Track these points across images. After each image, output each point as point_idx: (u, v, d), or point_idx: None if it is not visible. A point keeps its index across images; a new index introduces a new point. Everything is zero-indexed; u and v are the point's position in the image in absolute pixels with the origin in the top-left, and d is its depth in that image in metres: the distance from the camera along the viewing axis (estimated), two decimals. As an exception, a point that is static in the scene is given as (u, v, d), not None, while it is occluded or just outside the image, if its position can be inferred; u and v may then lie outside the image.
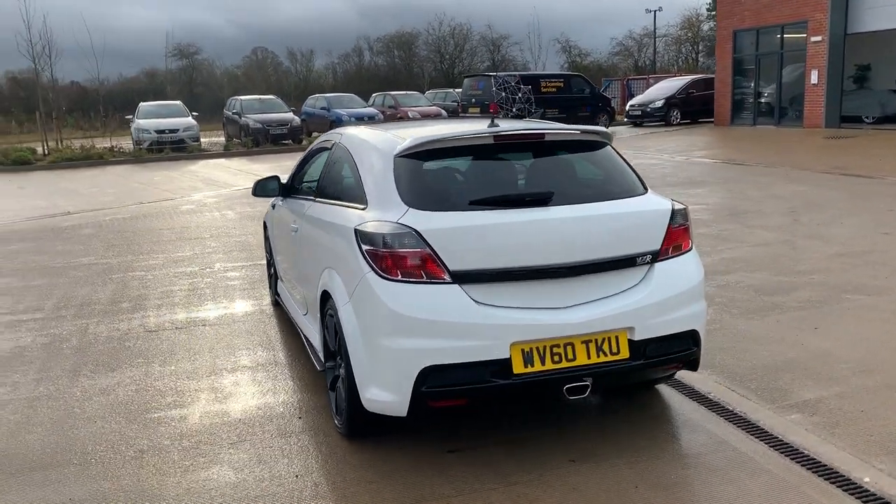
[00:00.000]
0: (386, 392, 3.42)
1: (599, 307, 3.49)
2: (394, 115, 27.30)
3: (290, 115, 24.65)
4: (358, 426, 3.76)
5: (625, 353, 3.52)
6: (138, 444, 3.92)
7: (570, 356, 3.44)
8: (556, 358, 3.42)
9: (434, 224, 3.40)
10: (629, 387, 4.37)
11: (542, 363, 3.40)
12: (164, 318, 6.24)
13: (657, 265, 3.66)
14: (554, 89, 24.27)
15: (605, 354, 3.49)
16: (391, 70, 50.13)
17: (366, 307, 3.47)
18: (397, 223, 3.42)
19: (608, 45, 52.16)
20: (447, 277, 3.36)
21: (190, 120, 22.97)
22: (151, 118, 22.77)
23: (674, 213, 3.75)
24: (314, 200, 4.63)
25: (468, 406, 3.55)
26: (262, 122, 23.15)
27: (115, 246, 9.57)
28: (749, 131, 23.10)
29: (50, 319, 6.28)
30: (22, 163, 19.63)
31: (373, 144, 4.01)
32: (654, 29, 44.33)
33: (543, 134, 3.86)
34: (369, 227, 3.49)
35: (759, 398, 4.22)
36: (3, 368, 5.14)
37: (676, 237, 3.75)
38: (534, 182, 3.77)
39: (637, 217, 3.67)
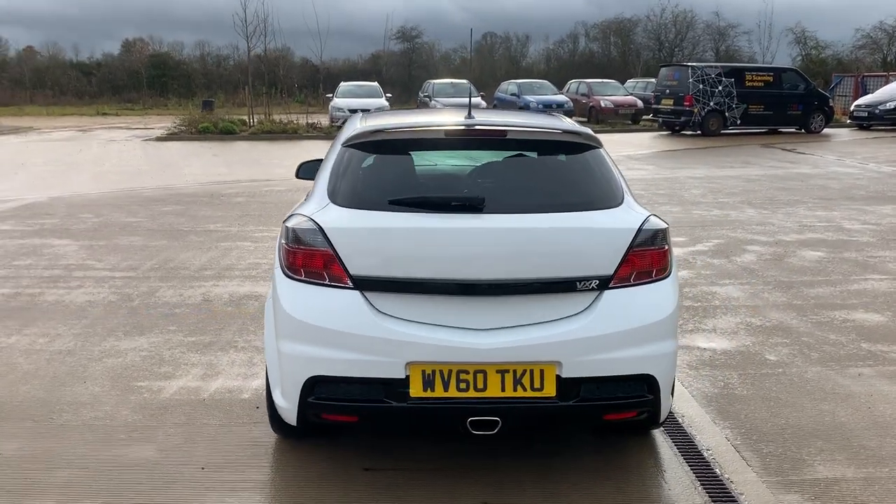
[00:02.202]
0: (281, 397, 3.22)
1: (521, 334, 3.02)
2: (585, 104, 26.49)
3: (478, 99, 24.81)
4: (278, 427, 3.59)
5: (550, 390, 3.03)
6: (99, 411, 4.04)
7: (481, 385, 3.02)
8: (463, 385, 3.02)
9: (340, 222, 3.12)
10: (623, 427, 3.75)
11: (445, 389, 3.01)
12: (228, 289, 6.45)
13: (607, 293, 3.10)
14: (761, 84, 22.11)
15: (525, 389, 3.03)
16: (605, 57, 48.65)
17: (274, 306, 3.28)
18: (308, 218, 3.18)
19: (852, 37, 46.41)
20: (349, 282, 3.07)
21: (382, 101, 23.83)
22: (347, 97, 23.92)
23: (641, 232, 3.15)
24: None
25: (361, 424, 3.25)
26: (448, 106, 23.48)
27: (249, 215, 10.11)
28: None
29: (135, 279, 6.73)
30: (227, 132, 21.48)
31: (343, 132, 3.78)
32: (909, 20, 38.95)
33: (505, 131, 3.41)
34: (288, 221, 3.28)
35: (763, 467, 3.48)
36: (59, 319, 5.57)
37: (643, 261, 3.15)
38: (481, 185, 3.34)
39: (587, 234, 3.13)
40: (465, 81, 27.37)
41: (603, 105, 25.91)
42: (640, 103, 26.14)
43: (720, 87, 21.67)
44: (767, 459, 3.54)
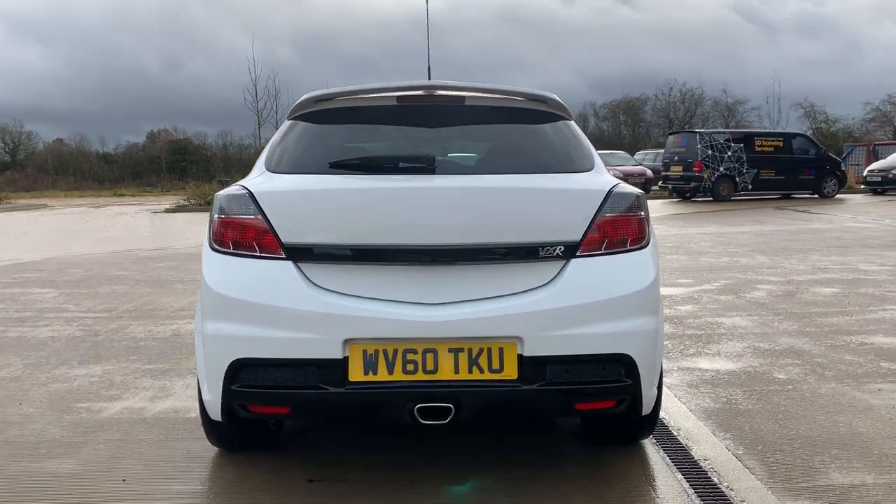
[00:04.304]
0: (206, 389, 2.83)
1: (476, 306, 2.64)
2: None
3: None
4: (213, 434, 3.18)
5: (511, 372, 2.62)
6: (26, 429, 3.65)
7: (431, 367, 2.62)
8: (411, 367, 2.62)
9: (273, 186, 2.81)
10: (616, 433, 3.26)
11: (390, 372, 2.62)
12: (202, 325, 6.09)
13: (574, 261, 2.72)
14: (771, 149, 21.91)
15: (482, 371, 2.62)
16: (615, 134, 49.09)
17: (201, 287, 2.94)
18: (239, 185, 2.87)
19: (861, 110, 46.46)
20: (281, 252, 2.72)
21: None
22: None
23: (611, 195, 2.79)
24: None
25: (295, 416, 2.84)
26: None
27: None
28: None
29: (106, 319, 6.39)
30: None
31: None
32: (918, 92, 39.18)
33: (463, 98, 3.11)
34: (219, 193, 2.97)
35: (769, 475, 3.00)
36: (14, 351, 5.22)
37: (615, 229, 2.78)
38: (434, 147, 3.02)
39: (549, 194, 2.78)
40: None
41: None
42: (649, 172, 26.02)
43: (729, 153, 21.50)
44: (774, 468, 3.07)
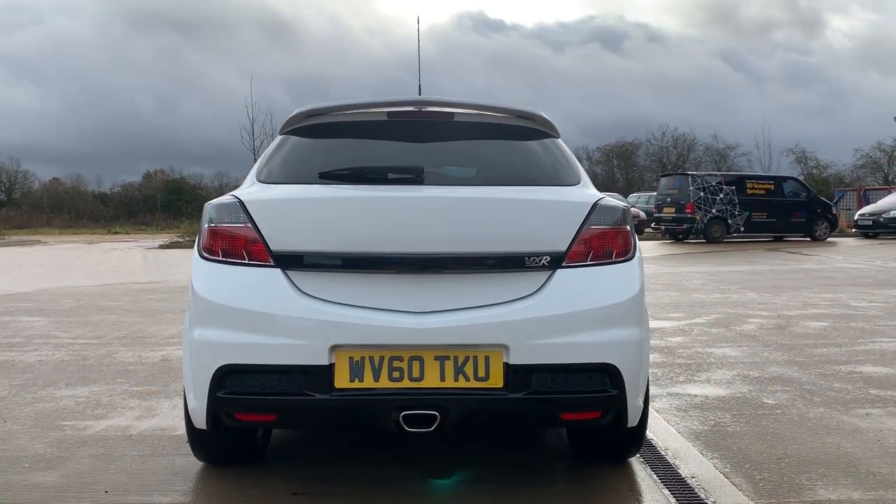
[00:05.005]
0: (192, 397, 2.82)
1: (463, 314, 2.66)
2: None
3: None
4: (197, 447, 3.16)
5: (497, 380, 2.63)
6: (9, 445, 3.62)
7: (417, 374, 2.62)
8: (397, 374, 2.62)
9: (262, 195, 2.84)
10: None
11: (376, 379, 2.62)
12: (191, 352, 6.07)
13: (560, 272, 2.75)
14: (762, 191, 22.14)
15: (468, 379, 2.63)
16: (608, 177, 49.56)
17: (190, 293, 2.96)
18: (230, 195, 2.91)
19: (851, 156, 47.10)
20: (269, 260, 2.74)
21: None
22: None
23: (596, 208, 2.83)
24: None
25: (280, 423, 2.83)
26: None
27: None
28: None
29: (95, 345, 6.36)
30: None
31: None
32: (907, 138, 39.74)
33: (452, 114, 3.18)
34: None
35: (755, 491, 2.99)
36: (1, 374, 5.18)
37: (600, 241, 2.82)
38: (423, 160, 3.05)
39: (536, 206, 2.82)
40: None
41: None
42: (642, 214, 26.11)
43: (721, 195, 21.70)
44: (761, 484, 3.06)
